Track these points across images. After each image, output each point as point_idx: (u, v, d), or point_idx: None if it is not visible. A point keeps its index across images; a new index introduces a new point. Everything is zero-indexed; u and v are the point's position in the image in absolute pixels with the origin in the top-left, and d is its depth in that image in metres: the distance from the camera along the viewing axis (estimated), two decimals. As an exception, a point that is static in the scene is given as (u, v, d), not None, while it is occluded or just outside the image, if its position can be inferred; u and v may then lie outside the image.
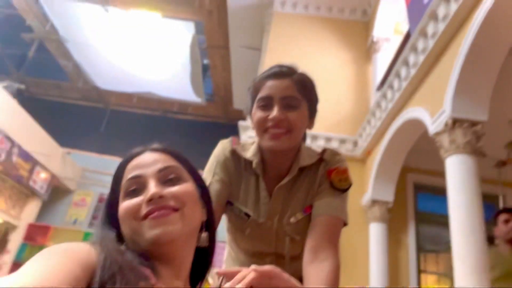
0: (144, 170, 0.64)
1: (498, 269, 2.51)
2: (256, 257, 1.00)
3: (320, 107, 1.01)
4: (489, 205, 3.98)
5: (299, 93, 0.93)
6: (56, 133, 7.50)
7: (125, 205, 0.62)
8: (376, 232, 4.12)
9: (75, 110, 9.77)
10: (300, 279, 0.92)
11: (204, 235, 0.67)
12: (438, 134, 2.79)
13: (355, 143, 4.70)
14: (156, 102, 9.68)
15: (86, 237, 7.07)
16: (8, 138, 6.21)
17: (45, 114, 7.94)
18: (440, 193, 4.60)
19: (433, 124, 2.91)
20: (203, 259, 0.69)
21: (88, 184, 8.26)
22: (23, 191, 7.14)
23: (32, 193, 7.25)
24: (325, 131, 4.65)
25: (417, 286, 4.25)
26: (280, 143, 0.91)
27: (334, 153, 1.02)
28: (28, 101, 8.10)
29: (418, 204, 4.71)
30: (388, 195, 4.25)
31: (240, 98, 7.84)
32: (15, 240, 7.05)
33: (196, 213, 0.65)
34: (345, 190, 0.96)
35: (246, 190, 0.99)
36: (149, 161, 0.66)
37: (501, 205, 4.26)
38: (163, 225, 0.58)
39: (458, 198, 2.53)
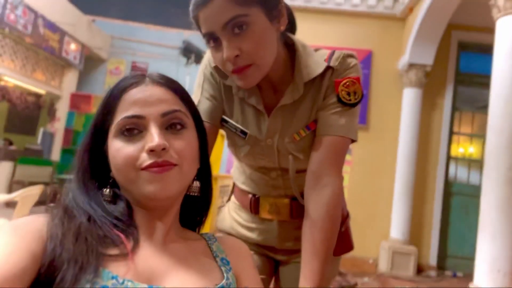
0: (145, 110, 0.57)
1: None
2: (260, 171, 0.95)
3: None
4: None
5: (240, 5, 0.69)
6: (77, 0, 7.19)
7: (122, 151, 0.55)
8: (409, 98, 3.99)
9: (91, -29, 9.12)
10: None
11: (196, 184, 0.63)
12: (494, -11, 2.37)
13: (396, -2, 4.18)
14: (175, -44, 8.77)
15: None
16: (30, 8, 6.05)
17: (61, -21, 7.49)
18: (486, 51, 4.22)
19: (491, -24, 2.45)
20: (199, 204, 0.67)
21: (118, 53, 8.27)
22: (58, 62, 7.30)
23: (67, 64, 7.40)
24: (362, -15, 4.12)
25: (447, 147, 4.29)
26: (250, 79, 0.75)
27: (344, 56, 0.83)
28: (41, -36, 7.57)
29: (460, 65, 4.38)
30: (428, 58, 3.95)
31: None
32: (62, 109, 7.56)
33: (193, 167, 0.60)
34: (354, 105, 0.82)
35: (240, 106, 0.89)
36: (151, 99, 0.57)
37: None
38: (161, 181, 0.54)
39: (504, 64, 2.28)
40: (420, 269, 3.94)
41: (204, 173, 0.65)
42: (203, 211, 0.68)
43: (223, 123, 0.91)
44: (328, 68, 0.82)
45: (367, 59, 4.24)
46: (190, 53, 6.21)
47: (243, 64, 0.72)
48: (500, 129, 2.23)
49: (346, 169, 4.13)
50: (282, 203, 0.96)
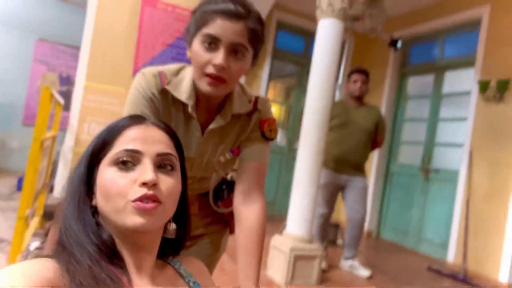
0: (143, 147, 0.61)
1: (339, 119, 3.12)
2: None
3: None
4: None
5: (249, 42, 0.87)
6: None
7: (115, 181, 0.58)
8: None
9: None
10: (207, 192, 1.10)
11: (172, 226, 0.67)
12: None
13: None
14: None
15: None
16: None
17: None
18: (298, 32, 5.02)
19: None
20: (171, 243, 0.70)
21: None
22: None
23: None
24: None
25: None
26: (217, 91, 0.89)
27: (265, 101, 1.05)
28: None
29: (277, 42, 5.01)
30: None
31: None
32: None
33: (174, 207, 0.64)
34: (272, 140, 1.05)
35: (175, 127, 0.96)
36: (150, 139, 0.63)
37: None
38: (147, 216, 0.58)
39: (321, 55, 2.75)
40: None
41: (181, 215, 0.70)
42: (175, 251, 0.72)
43: None
44: (256, 109, 1.03)
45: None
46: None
47: (224, 76, 0.86)
48: (315, 109, 2.76)
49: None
50: (191, 200, 1.08)
